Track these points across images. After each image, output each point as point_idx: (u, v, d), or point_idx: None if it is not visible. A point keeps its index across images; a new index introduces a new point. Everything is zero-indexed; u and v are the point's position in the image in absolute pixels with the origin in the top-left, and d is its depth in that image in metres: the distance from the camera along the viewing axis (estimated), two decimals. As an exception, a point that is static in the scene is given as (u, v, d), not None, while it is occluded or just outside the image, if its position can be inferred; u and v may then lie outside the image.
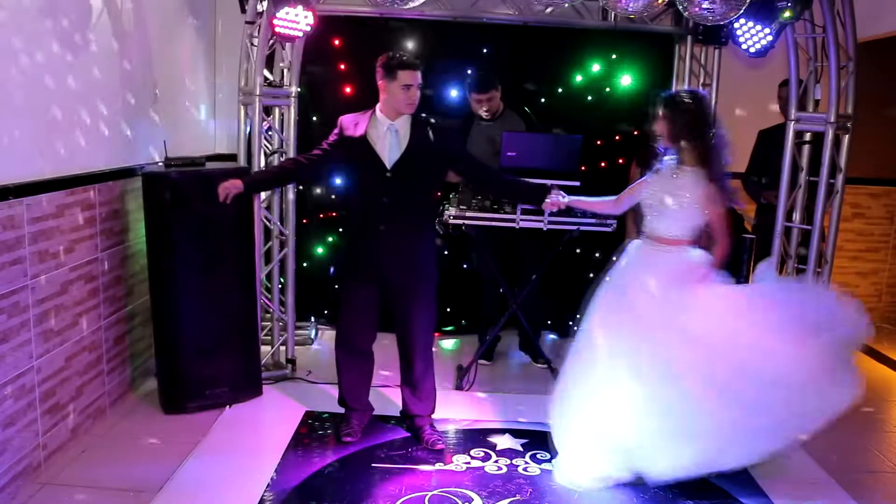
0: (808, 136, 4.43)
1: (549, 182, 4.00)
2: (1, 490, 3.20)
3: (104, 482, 3.44)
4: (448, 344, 5.66)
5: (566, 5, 4.28)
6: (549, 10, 4.49)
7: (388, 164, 3.70)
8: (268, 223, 4.83)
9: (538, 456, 3.87)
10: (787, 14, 4.04)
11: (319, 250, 5.76)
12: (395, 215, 3.72)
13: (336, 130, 3.84)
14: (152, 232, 4.15)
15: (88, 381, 3.94)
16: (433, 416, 4.07)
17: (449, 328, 5.79)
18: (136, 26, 4.32)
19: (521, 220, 4.58)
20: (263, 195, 4.70)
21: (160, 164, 4.28)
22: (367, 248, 3.79)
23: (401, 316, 3.90)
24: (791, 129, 4.36)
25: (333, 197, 5.71)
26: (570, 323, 5.84)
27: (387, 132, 3.73)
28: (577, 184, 4.66)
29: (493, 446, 3.98)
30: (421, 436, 3.97)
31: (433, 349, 4.07)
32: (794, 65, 4.27)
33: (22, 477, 3.35)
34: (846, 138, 4.35)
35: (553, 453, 3.84)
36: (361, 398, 4.09)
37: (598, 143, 5.59)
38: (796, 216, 4.47)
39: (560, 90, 5.71)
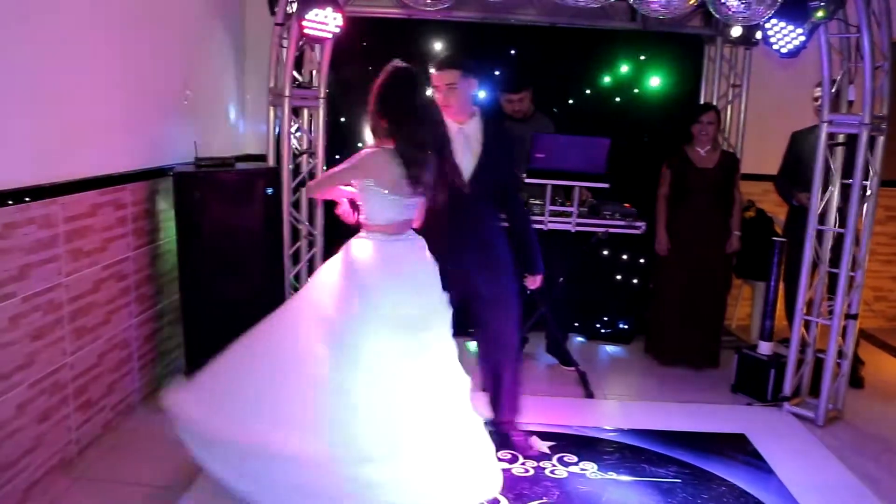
0: (841, 138, 4.37)
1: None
2: (35, 483, 3.25)
3: (135, 478, 3.47)
4: (474, 345, 5.63)
5: (595, 5, 4.25)
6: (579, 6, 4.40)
7: (465, 172, 3.49)
8: (296, 223, 4.86)
9: (566, 459, 3.85)
10: (820, 14, 3.99)
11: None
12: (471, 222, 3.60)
13: None
14: (183, 231, 4.19)
15: (119, 378, 3.98)
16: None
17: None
18: (167, 27, 4.37)
19: (550, 221, 4.58)
20: (290, 194, 4.73)
21: (191, 164, 4.32)
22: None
23: (486, 324, 3.79)
24: (824, 130, 4.30)
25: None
26: (598, 326, 5.84)
27: (456, 137, 3.51)
28: (607, 186, 4.66)
29: (520, 448, 3.96)
30: (512, 441, 3.92)
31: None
32: (826, 65, 4.21)
33: (55, 471, 3.40)
34: (880, 140, 4.28)
35: (581, 456, 3.83)
36: None
37: (627, 145, 5.56)
38: (829, 219, 4.41)
39: (588, 92, 5.69)
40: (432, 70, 3.58)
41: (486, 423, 3.94)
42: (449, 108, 3.51)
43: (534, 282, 3.87)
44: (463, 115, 3.58)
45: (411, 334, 3.06)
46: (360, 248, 3.14)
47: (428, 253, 3.25)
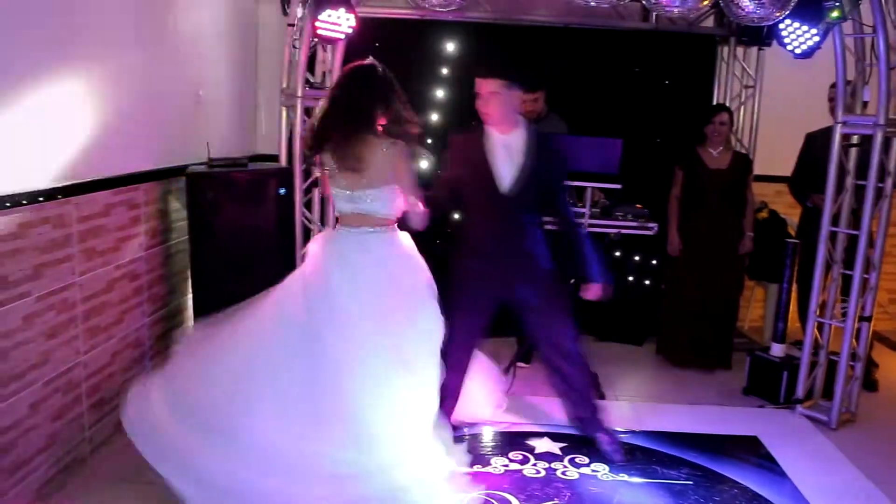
0: (855, 139, 4.35)
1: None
2: (49, 481, 3.26)
3: (147, 477, 3.47)
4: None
5: (606, 5, 4.24)
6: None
7: (505, 182, 3.55)
8: (308, 223, 4.87)
9: (577, 460, 3.85)
10: (834, 14, 3.97)
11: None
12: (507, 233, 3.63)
13: None
14: (195, 231, 4.21)
15: (132, 377, 3.98)
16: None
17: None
18: (180, 28, 4.38)
19: (561, 222, 4.56)
20: (303, 195, 4.74)
21: (204, 164, 4.34)
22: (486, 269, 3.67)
23: (540, 335, 3.83)
24: (838, 131, 4.27)
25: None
26: (610, 327, 5.82)
27: (498, 146, 3.57)
28: (619, 187, 4.65)
29: (531, 449, 3.96)
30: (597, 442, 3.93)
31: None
32: (840, 66, 4.19)
33: (68, 469, 3.42)
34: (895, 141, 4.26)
35: (592, 458, 3.83)
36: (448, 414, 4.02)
37: (640, 146, 5.54)
38: (842, 220, 4.38)
39: (600, 92, 5.68)
40: (476, 77, 3.55)
41: (572, 424, 4.00)
42: (488, 116, 3.53)
43: (590, 291, 3.76)
44: (505, 124, 3.57)
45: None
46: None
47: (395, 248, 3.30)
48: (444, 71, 5.59)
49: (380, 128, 3.23)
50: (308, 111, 4.73)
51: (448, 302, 3.47)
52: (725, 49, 5.80)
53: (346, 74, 3.33)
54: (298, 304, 3.17)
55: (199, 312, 4.28)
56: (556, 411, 4.36)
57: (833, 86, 4.52)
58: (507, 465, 3.77)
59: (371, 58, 3.33)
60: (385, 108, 3.22)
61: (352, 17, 4.29)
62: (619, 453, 3.86)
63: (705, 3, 4.00)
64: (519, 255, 3.65)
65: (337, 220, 3.38)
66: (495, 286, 3.68)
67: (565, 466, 3.78)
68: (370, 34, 5.05)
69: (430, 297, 3.30)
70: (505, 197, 3.57)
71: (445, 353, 3.62)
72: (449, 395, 3.73)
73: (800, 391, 4.58)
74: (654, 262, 5.75)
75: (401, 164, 3.22)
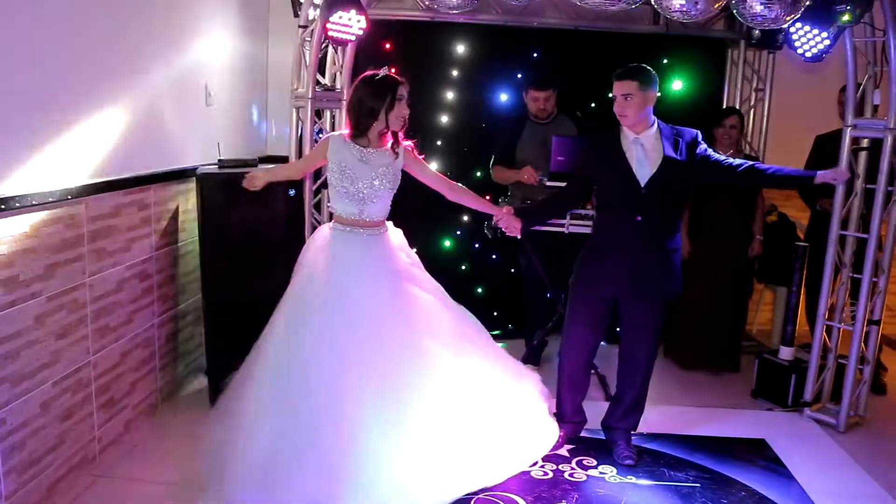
0: (865, 143, 4.34)
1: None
2: (59, 481, 3.28)
3: (156, 476, 3.50)
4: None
5: (615, 8, 4.25)
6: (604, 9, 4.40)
7: (642, 181, 3.62)
8: (318, 224, 4.87)
9: (584, 462, 3.85)
10: (845, 17, 3.95)
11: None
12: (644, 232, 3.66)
13: None
14: (205, 232, 4.22)
15: (141, 377, 4.02)
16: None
17: (496, 332, 5.77)
18: (191, 29, 4.41)
19: (570, 225, 4.57)
20: (312, 195, 4.75)
21: (214, 165, 4.36)
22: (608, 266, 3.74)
23: (624, 341, 3.95)
24: (848, 135, 4.26)
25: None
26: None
27: (633, 144, 3.68)
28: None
29: (539, 451, 3.96)
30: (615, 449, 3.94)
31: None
32: (851, 69, 4.17)
33: (78, 469, 3.44)
34: (905, 145, 4.24)
35: (600, 459, 3.83)
36: (580, 410, 4.09)
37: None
38: (851, 224, 4.37)
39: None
40: (613, 80, 3.68)
41: (602, 427, 4.06)
42: (625, 118, 3.64)
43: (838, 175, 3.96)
44: (639, 125, 3.66)
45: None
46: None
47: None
48: (455, 73, 5.60)
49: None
50: (318, 113, 4.76)
51: (573, 296, 3.81)
52: (736, 52, 5.79)
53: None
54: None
55: (209, 313, 4.31)
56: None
57: (843, 89, 4.51)
58: (514, 467, 3.77)
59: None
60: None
61: (363, 18, 4.30)
62: (631, 460, 3.85)
63: (717, 5, 3.99)
64: (652, 252, 3.67)
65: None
66: (619, 283, 3.72)
67: (573, 468, 3.78)
68: (381, 36, 5.07)
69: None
70: (643, 195, 3.61)
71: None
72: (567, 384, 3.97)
73: (808, 394, 4.57)
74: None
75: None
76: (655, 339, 3.87)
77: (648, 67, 3.71)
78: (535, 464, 3.78)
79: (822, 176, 3.77)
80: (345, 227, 3.49)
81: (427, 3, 4.55)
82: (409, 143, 3.58)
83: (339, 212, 3.50)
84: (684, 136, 3.73)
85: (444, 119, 5.62)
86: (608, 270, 3.72)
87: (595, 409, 4.14)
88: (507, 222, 3.84)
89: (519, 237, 3.93)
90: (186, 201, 4.38)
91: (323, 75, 4.87)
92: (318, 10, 4.43)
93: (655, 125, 3.71)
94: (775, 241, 5.46)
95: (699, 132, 3.80)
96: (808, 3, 3.97)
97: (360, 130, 3.45)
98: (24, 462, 3.05)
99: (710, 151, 3.78)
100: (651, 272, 3.68)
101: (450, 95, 5.61)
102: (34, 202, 2.99)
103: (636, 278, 3.67)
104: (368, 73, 3.47)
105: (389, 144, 3.50)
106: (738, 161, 3.83)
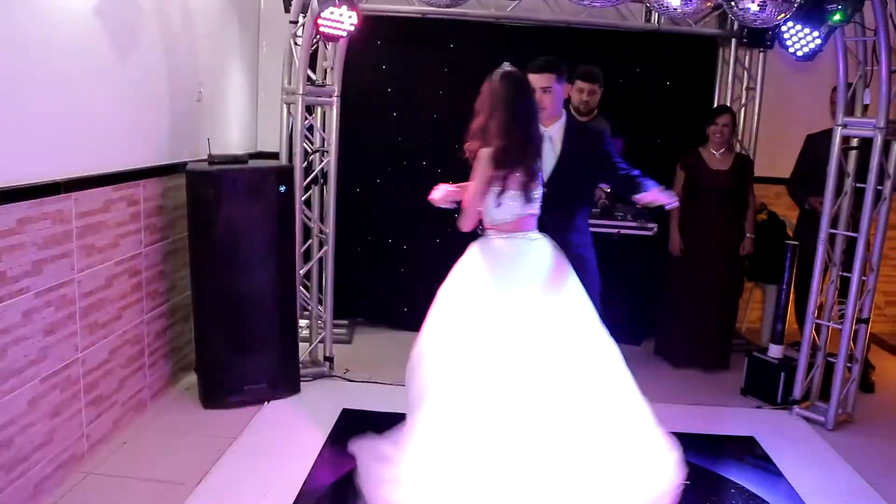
0: (855, 142, 4.35)
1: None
2: (47, 478, 3.26)
3: (145, 474, 3.49)
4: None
5: (608, 6, 4.25)
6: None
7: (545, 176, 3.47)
8: (308, 221, 4.86)
9: (574, 459, 3.85)
10: (837, 17, 3.96)
11: (359, 249, 5.80)
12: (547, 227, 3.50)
13: None
14: (195, 228, 4.20)
15: (130, 374, 4.00)
16: None
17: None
18: (182, 25, 4.38)
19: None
20: (302, 192, 4.74)
21: (204, 161, 4.33)
22: None
23: None
24: (838, 134, 4.28)
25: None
26: (608, 326, 5.80)
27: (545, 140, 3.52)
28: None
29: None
30: None
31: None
32: (842, 69, 4.19)
33: (66, 466, 3.41)
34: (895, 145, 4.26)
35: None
36: None
37: (641, 146, 5.53)
38: (841, 223, 4.39)
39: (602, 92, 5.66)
40: (530, 73, 3.53)
41: None
42: (543, 111, 3.52)
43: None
44: (552, 118, 3.59)
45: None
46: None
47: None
48: (446, 69, 5.58)
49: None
50: (309, 109, 4.74)
51: None
52: (727, 51, 5.79)
53: None
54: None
55: (199, 309, 4.29)
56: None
57: (835, 88, 4.53)
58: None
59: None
60: None
61: (354, 14, 4.27)
62: None
63: (709, 3, 3.99)
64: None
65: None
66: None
67: (563, 466, 3.78)
68: (372, 32, 5.05)
69: None
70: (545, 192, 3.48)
71: None
72: None
73: (797, 392, 4.58)
74: (653, 262, 5.74)
75: None
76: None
77: (561, 59, 3.64)
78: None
79: (649, 196, 3.53)
80: None
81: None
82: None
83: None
84: (590, 132, 3.72)
85: (435, 116, 5.58)
86: None
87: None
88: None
89: None
90: (176, 197, 4.36)
91: (314, 71, 4.85)
92: (309, 6, 4.41)
93: (563, 118, 3.63)
94: (765, 239, 5.48)
95: (608, 130, 3.69)
96: (799, 2, 3.97)
97: None
98: (11, 459, 3.02)
99: (612, 151, 3.70)
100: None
101: (441, 91, 5.57)
102: (23, 196, 2.97)
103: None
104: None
105: None
106: (627, 167, 3.70)
